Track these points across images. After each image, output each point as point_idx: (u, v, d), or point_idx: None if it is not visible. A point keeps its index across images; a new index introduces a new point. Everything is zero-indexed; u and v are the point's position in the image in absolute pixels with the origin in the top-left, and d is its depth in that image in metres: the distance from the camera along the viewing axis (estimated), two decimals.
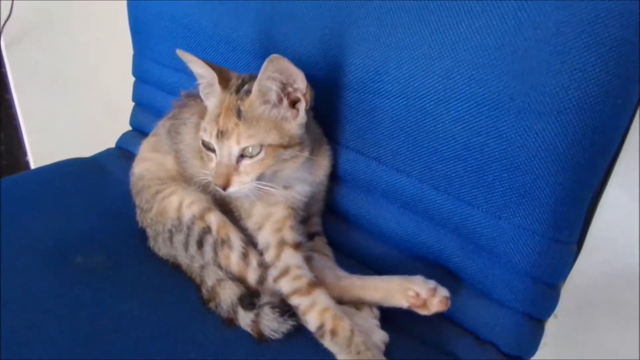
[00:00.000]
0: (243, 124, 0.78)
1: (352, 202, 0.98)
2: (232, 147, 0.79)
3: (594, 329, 1.10)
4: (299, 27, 0.92)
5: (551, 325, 0.91)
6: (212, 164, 0.84)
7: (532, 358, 0.88)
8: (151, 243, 0.96)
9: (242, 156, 0.80)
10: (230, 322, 0.82)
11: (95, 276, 0.90)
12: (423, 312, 0.81)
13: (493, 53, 0.70)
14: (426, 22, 0.76)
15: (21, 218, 1.01)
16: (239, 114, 0.79)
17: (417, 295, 0.80)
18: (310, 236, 0.95)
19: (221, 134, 0.79)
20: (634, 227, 0.95)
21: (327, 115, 0.93)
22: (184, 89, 1.05)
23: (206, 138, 0.82)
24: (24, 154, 2.22)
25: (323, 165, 0.93)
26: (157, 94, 1.29)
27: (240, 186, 0.81)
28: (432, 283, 0.81)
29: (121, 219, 1.05)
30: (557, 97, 0.66)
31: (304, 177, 0.90)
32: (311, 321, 0.79)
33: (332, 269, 0.89)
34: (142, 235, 0.99)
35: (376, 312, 0.85)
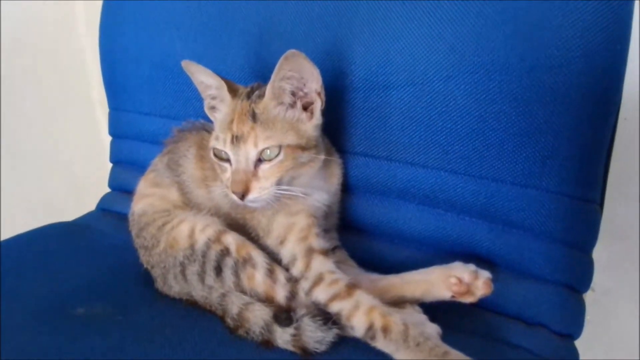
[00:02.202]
0: (259, 126, 0.76)
1: (367, 210, 0.95)
2: (250, 151, 0.76)
3: None
4: (289, 42, 0.93)
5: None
6: (227, 174, 0.80)
7: None
8: (159, 284, 0.88)
9: (259, 160, 0.77)
10: (267, 344, 0.74)
11: (103, 324, 0.80)
12: (468, 299, 0.77)
13: (494, 18, 0.73)
14: (419, 6, 0.79)
15: (6, 283, 0.90)
16: (253, 117, 0.77)
17: (460, 281, 0.77)
18: (331, 250, 0.90)
19: (236, 139, 0.76)
20: None
21: (330, 124, 0.92)
22: (169, 133, 1.02)
23: (219, 146, 0.78)
24: None
25: (336, 173, 0.91)
26: (140, 146, 1.24)
27: (260, 192, 0.77)
28: (472, 266, 0.78)
29: (118, 270, 0.98)
30: (565, 49, 0.70)
31: (320, 185, 0.87)
32: (358, 324, 0.72)
33: (363, 275, 0.84)
34: (146, 280, 0.91)
35: (418, 309, 0.80)
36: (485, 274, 0.77)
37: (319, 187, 0.86)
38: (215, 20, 1.02)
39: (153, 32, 1.11)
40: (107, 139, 1.93)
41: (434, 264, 0.89)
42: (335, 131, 0.92)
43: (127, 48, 1.16)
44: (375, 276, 0.83)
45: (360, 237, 0.97)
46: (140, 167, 1.24)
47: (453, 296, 0.78)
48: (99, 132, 1.93)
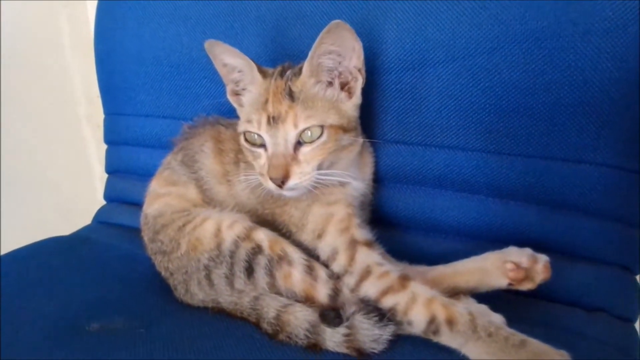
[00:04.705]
0: (298, 105, 0.70)
1: (400, 201, 0.89)
2: (289, 132, 0.70)
3: None
4: (310, 27, 0.88)
5: None
6: (262, 160, 0.72)
7: None
8: (180, 292, 0.80)
9: (298, 143, 0.70)
10: (315, 348, 0.67)
11: (124, 338, 0.71)
12: (526, 286, 0.71)
13: None
14: None
15: (9, 301, 0.80)
16: (291, 95, 0.70)
17: (517, 266, 0.71)
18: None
19: (273, 120, 0.70)
20: None
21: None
22: (173, 136, 0.95)
23: (253, 129, 0.71)
24: None
25: (368, 162, 0.86)
26: (140, 152, 1.16)
27: (300, 178, 0.70)
28: (528, 250, 0.72)
29: (130, 282, 0.89)
30: (620, 11, 0.66)
31: (355, 174, 0.80)
32: (417, 318, 0.66)
33: (409, 268, 0.78)
34: (162, 290, 0.83)
35: (473, 300, 0.73)
36: (543, 258, 0.71)
37: (354, 177, 0.80)
38: (227, 9, 0.95)
39: (156, 27, 1.04)
40: (94, 155, 1.87)
41: (475, 255, 0.83)
42: (365, 118, 0.85)
43: (127, 47, 1.09)
44: (422, 268, 0.77)
45: (394, 232, 0.90)
46: (140, 175, 1.15)
47: (510, 284, 0.72)
48: (85, 149, 1.83)
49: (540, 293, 0.75)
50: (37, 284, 0.84)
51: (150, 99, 1.10)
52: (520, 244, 0.79)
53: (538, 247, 0.79)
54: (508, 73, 0.73)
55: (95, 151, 1.80)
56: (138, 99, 1.11)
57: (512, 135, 0.76)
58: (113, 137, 1.22)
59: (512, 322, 0.71)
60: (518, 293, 0.73)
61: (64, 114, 1.76)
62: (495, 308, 0.71)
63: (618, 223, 0.76)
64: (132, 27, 1.07)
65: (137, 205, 0.95)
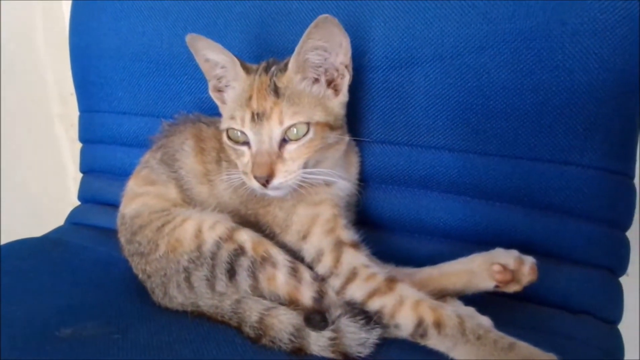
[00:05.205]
0: (284, 101, 0.68)
1: (385, 202, 0.88)
2: (274, 129, 0.68)
3: None
4: (296, 23, 0.86)
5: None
6: (245, 159, 0.70)
7: None
8: (158, 295, 0.76)
9: (284, 141, 0.68)
10: (299, 352, 0.65)
11: (98, 344, 0.67)
12: (513, 288, 0.71)
13: None
14: None
15: None
16: (276, 91, 0.68)
17: (504, 268, 0.70)
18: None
19: (257, 117, 0.67)
20: None
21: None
22: (151, 134, 0.92)
23: (236, 126, 0.69)
24: None
25: (354, 161, 0.84)
26: (116, 151, 1.12)
27: (285, 177, 0.68)
28: (514, 252, 0.71)
29: (104, 285, 0.86)
30: (608, 12, 0.66)
31: (341, 173, 0.79)
32: (404, 321, 0.64)
33: (395, 270, 0.76)
34: (139, 294, 0.79)
35: (460, 302, 0.72)
36: (530, 259, 0.70)
37: (340, 175, 0.78)
38: (209, 4, 0.93)
39: (135, 22, 1.00)
40: (67, 154, 1.81)
41: (461, 256, 0.82)
42: (351, 117, 0.84)
43: (104, 42, 1.05)
44: (409, 270, 0.76)
45: (378, 233, 0.88)
46: (116, 175, 1.12)
47: (497, 286, 0.71)
48: (58, 148, 1.77)
49: (527, 295, 0.74)
50: (5, 288, 0.79)
51: (128, 96, 1.06)
52: (507, 245, 0.78)
53: (524, 248, 0.78)
54: (496, 73, 0.73)
55: (69, 150, 1.74)
56: (115, 95, 1.08)
57: (499, 136, 0.76)
58: (88, 135, 1.18)
59: (498, 324, 0.70)
60: (504, 295, 0.72)
61: (36, 112, 1.71)
62: (481, 310, 0.70)
63: (604, 225, 0.76)
64: (109, 21, 1.03)
65: (113, 205, 0.91)
